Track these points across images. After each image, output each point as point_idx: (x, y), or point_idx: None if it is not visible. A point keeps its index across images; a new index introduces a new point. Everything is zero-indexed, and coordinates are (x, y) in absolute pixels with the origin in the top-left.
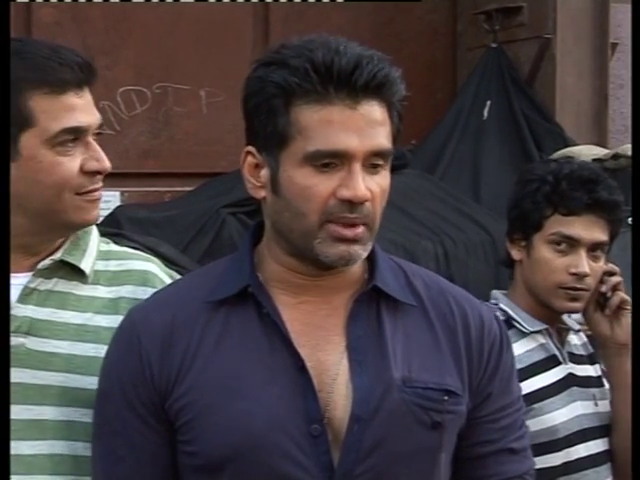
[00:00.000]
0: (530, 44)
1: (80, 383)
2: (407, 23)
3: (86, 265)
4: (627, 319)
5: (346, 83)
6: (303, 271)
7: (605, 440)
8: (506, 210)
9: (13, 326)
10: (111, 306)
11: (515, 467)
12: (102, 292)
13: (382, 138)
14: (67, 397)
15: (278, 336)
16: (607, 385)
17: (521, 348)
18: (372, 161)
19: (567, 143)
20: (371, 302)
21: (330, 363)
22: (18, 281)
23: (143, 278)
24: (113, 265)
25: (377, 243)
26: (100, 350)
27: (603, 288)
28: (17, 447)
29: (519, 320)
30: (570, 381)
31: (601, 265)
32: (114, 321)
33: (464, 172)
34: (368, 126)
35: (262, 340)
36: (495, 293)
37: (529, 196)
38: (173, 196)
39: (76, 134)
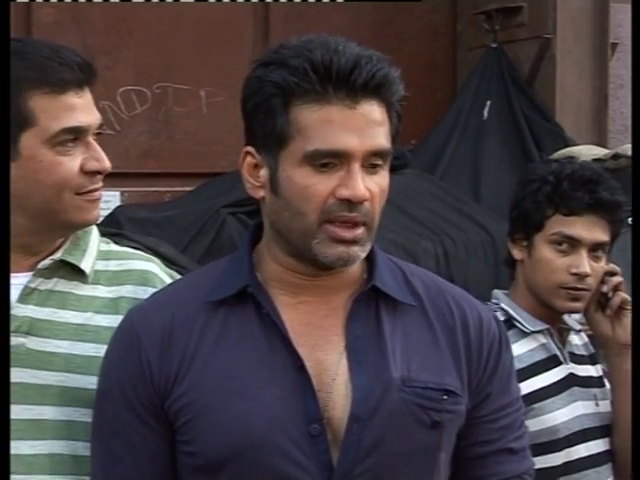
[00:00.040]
0: (530, 44)
1: (80, 383)
2: (407, 23)
3: (86, 265)
4: (628, 319)
5: (345, 83)
6: (302, 271)
7: (606, 440)
8: (507, 210)
9: (13, 326)
10: (111, 306)
11: (514, 467)
12: (102, 292)
13: (381, 138)
14: (67, 397)
15: (277, 336)
16: (608, 385)
17: (522, 348)
18: (371, 161)
19: (567, 143)
20: (370, 302)
21: (329, 363)
22: (18, 281)
23: (143, 278)
24: (113, 265)
25: (377, 243)
26: (100, 350)
27: (604, 288)
28: (17, 447)
29: (520, 320)
30: (571, 381)
31: (602, 265)
32: (114, 321)
33: (464, 172)
34: (367, 126)
35: (261, 340)
36: (496, 293)
37: (530, 196)
38: (173, 196)
39: (76, 134)
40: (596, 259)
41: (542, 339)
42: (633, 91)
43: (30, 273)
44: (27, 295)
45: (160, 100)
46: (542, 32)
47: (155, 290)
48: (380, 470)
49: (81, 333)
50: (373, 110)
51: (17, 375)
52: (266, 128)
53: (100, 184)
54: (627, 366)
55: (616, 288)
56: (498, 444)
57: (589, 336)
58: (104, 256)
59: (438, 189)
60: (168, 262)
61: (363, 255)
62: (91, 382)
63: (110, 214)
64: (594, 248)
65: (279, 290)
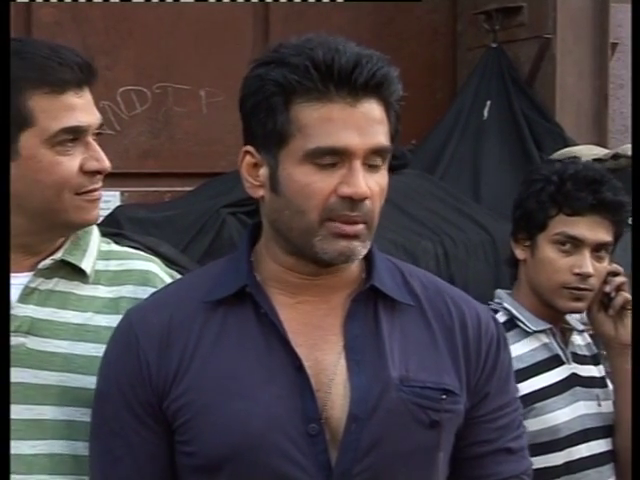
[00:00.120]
0: (530, 44)
1: (81, 383)
2: (407, 23)
3: (87, 265)
4: (631, 319)
5: (347, 81)
6: (301, 270)
7: (608, 440)
8: (508, 210)
9: (14, 326)
10: (112, 306)
11: (512, 467)
12: (103, 292)
13: (381, 136)
14: (68, 397)
15: (276, 336)
16: (611, 386)
17: (524, 347)
18: (371, 159)
19: (567, 143)
20: (368, 302)
21: (328, 363)
22: (19, 281)
23: (144, 278)
24: (114, 265)
25: (377, 243)
26: (100, 350)
27: (607, 288)
28: (18, 447)
29: (523, 319)
30: (573, 381)
31: (605, 265)
32: (114, 321)
33: (464, 172)
34: (368, 124)
35: (260, 340)
36: (499, 292)
37: (534, 196)
38: (173, 196)
39: (76, 134)
40: (599, 259)
41: (544, 339)
42: (633, 91)
43: (30, 273)
44: (27, 295)
45: (160, 100)
46: (542, 32)
47: (155, 290)
48: (378, 470)
49: (81, 333)
50: (373, 109)
51: (17, 375)
52: (266, 127)
53: (100, 184)
54: (629, 366)
55: (619, 288)
56: (496, 444)
57: (591, 336)
58: (105, 256)
59: (438, 189)
60: (168, 262)
61: (364, 252)
62: (91, 382)
63: (110, 214)
64: (597, 248)
65: (277, 290)
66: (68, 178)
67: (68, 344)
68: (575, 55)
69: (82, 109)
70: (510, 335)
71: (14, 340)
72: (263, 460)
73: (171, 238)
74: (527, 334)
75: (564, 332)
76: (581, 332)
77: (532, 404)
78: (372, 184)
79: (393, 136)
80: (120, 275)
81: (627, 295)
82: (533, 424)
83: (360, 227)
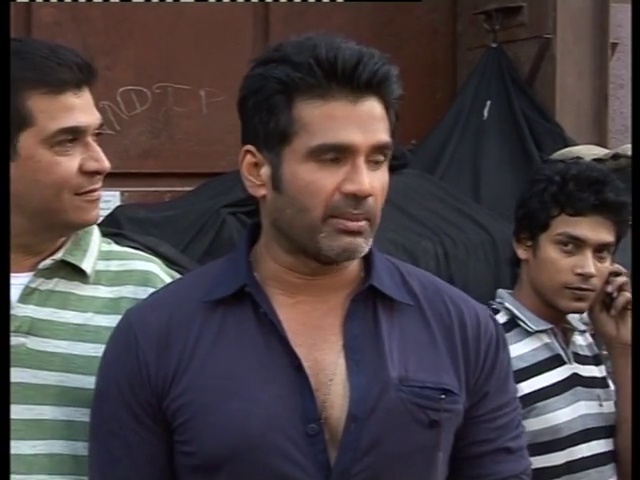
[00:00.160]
0: (530, 44)
1: (80, 383)
2: (407, 23)
3: (87, 265)
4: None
5: (350, 79)
6: (301, 270)
7: (609, 441)
8: (507, 210)
9: (14, 326)
10: (112, 306)
11: (511, 467)
12: (103, 292)
13: (383, 133)
14: (67, 397)
15: (275, 335)
16: (612, 386)
17: (525, 347)
18: (374, 156)
19: (567, 143)
20: (367, 301)
21: (327, 362)
22: (19, 281)
23: (144, 278)
24: (114, 265)
25: (377, 243)
26: (100, 350)
27: (609, 288)
28: (18, 447)
29: (524, 319)
30: (574, 381)
31: (607, 266)
32: (115, 321)
33: (464, 172)
34: (369, 121)
35: (259, 339)
36: (501, 292)
37: (536, 196)
38: (173, 196)
39: (74, 134)
40: (601, 260)
41: (546, 339)
42: (633, 91)
43: (31, 273)
44: (28, 295)
45: (160, 100)
46: (542, 32)
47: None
48: (378, 469)
49: (81, 333)
50: (374, 106)
51: (17, 375)
52: (268, 125)
53: (99, 184)
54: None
55: (621, 288)
56: (495, 443)
57: (592, 335)
58: (105, 256)
59: (438, 189)
60: (168, 262)
61: (366, 249)
62: (91, 382)
63: (110, 214)
64: (599, 249)
65: (277, 290)
66: (67, 178)
67: (67, 344)
68: (575, 55)
69: (81, 109)
70: (511, 335)
71: (14, 340)
72: (262, 460)
73: (171, 238)
74: (528, 334)
75: (565, 332)
76: (583, 332)
77: (533, 403)
78: (375, 181)
79: (392, 134)
80: (121, 275)
81: (629, 295)
82: (534, 423)
83: (363, 223)
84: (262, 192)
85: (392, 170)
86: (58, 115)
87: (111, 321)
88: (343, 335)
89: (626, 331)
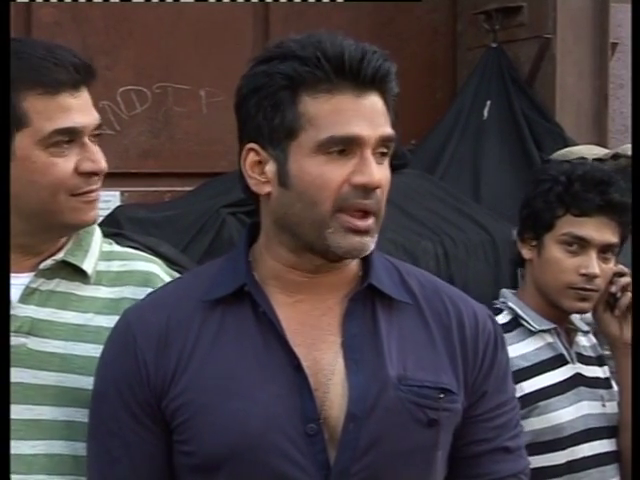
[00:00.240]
0: (530, 44)
1: (81, 383)
2: (407, 23)
3: (88, 266)
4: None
5: (356, 73)
6: (304, 267)
7: (612, 441)
8: (511, 210)
9: (14, 326)
10: (112, 306)
11: (510, 466)
12: (104, 292)
13: (387, 126)
14: (67, 397)
15: (274, 335)
16: (616, 387)
17: (529, 346)
18: (380, 149)
19: (567, 143)
20: (366, 301)
21: (326, 362)
22: (20, 281)
23: (145, 279)
24: (115, 266)
25: (376, 243)
26: (100, 350)
27: (613, 289)
28: (18, 447)
29: (527, 319)
30: (577, 381)
31: (611, 266)
32: (115, 322)
33: (464, 172)
34: (374, 115)
35: (258, 339)
36: (504, 292)
37: (541, 196)
38: (173, 196)
39: (71, 135)
40: (605, 260)
41: (549, 338)
42: (633, 91)
43: (32, 273)
44: (28, 295)
45: (160, 100)
46: (542, 32)
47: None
48: (377, 468)
49: (81, 334)
50: (376, 101)
51: (17, 375)
52: (273, 122)
53: (97, 185)
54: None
55: (624, 289)
56: (494, 443)
57: (594, 334)
58: (106, 257)
59: (438, 189)
60: (168, 262)
61: (372, 246)
62: (91, 383)
63: (110, 214)
64: (604, 249)
65: (276, 289)
66: (63, 179)
67: (67, 344)
68: (575, 55)
69: (78, 110)
70: (514, 334)
71: (15, 340)
72: (262, 460)
73: (171, 238)
74: (531, 333)
75: (569, 332)
76: (586, 333)
77: (536, 402)
78: (381, 174)
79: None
80: (122, 276)
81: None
82: (536, 422)
83: (371, 221)
84: (267, 189)
85: (392, 170)
86: (54, 116)
87: (112, 322)
88: (342, 334)
89: (629, 331)
